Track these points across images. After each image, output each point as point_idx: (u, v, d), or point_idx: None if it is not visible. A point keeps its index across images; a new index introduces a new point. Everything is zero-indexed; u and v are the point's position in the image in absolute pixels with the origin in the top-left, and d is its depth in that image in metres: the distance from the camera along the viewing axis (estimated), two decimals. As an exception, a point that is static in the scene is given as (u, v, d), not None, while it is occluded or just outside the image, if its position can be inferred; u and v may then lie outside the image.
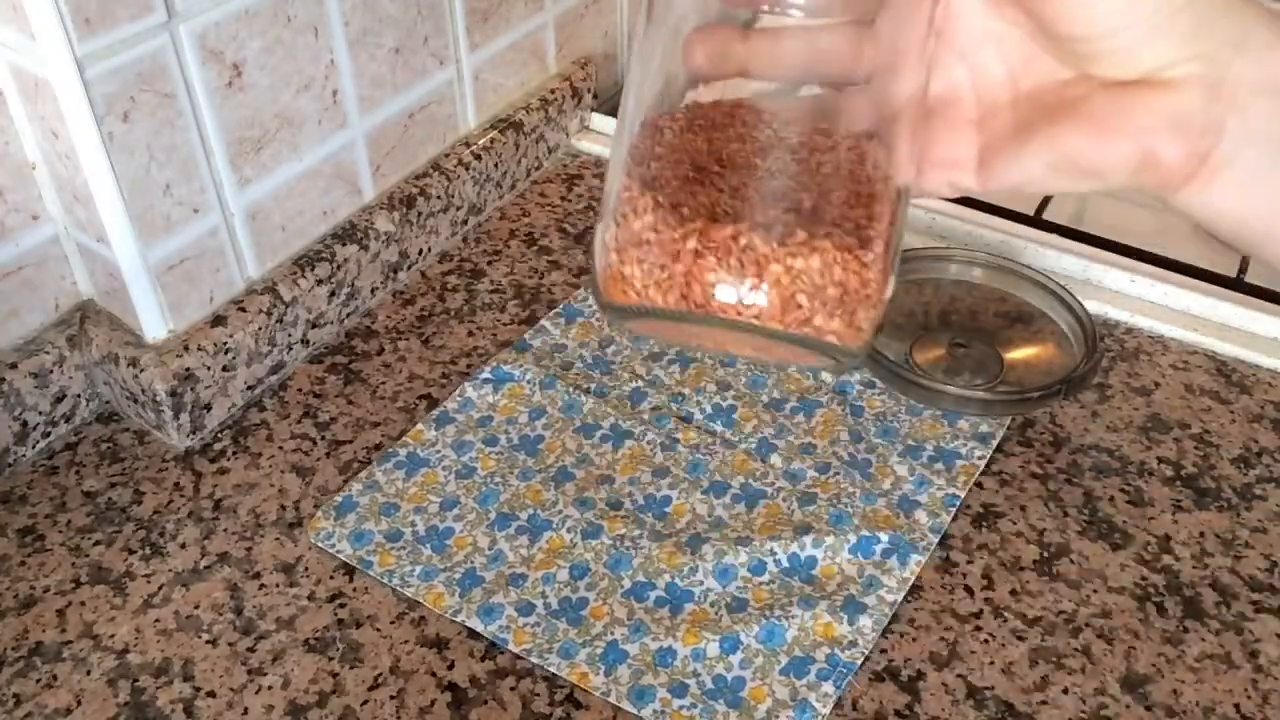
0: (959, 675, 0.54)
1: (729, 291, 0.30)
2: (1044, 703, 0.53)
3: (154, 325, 0.64)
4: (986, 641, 0.55)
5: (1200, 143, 0.30)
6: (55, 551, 0.60)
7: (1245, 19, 0.30)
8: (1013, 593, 0.57)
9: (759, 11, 0.32)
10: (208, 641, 0.55)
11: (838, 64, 0.33)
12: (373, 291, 0.76)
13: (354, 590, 0.58)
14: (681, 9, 0.33)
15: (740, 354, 0.38)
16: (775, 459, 0.64)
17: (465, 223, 0.83)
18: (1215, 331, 0.73)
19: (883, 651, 0.55)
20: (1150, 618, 0.56)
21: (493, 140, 0.83)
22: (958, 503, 0.61)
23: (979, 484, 0.63)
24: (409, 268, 0.78)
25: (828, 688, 0.52)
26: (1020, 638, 0.55)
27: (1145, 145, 0.30)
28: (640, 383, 0.69)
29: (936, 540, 0.59)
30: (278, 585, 0.58)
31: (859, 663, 0.54)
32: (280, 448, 0.66)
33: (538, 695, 0.53)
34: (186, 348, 0.64)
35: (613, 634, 0.55)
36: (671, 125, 0.33)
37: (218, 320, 0.66)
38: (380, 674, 0.54)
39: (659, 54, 0.34)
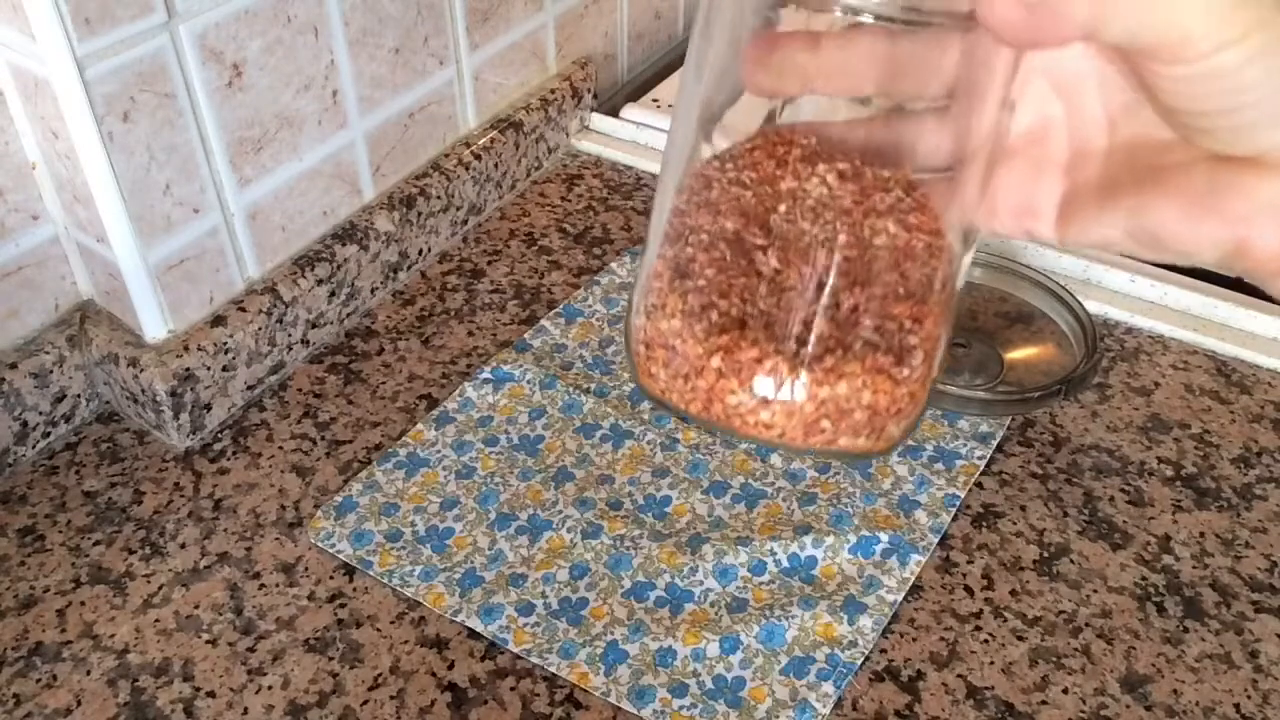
0: (959, 675, 0.54)
1: (751, 413, 0.30)
2: (1044, 703, 0.53)
3: (154, 325, 0.64)
4: (986, 641, 0.55)
5: None
6: (55, 551, 0.60)
7: None
8: (1013, 593, 0.57)
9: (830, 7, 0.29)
10: (208, 641, 0.55)
11: (917, 77, 0.30)
12: (373, 291, 0.76)
13: (354, 590, 0.58)
14: (738, 10, 0.30)
15: None
16: (775, 459, 0.64)
17: (465, 223, 0.83)
18: (1215, 331, 0.73)
19: (883, 651, 0.55)
20: (1150, 618, 0.56)
21: (493, 140, 0.83)
22: (958, 503, 0.61)
23: (979, 484, 0.63)
24: (409, 268, 0.78)
25: (828, 688, 0.52)
26: (1020, 638, 0.55)
27: (1241, 232, 0.27)
28: (640, 383, 0.69)
29: (936, 540, 0.59)
30: (278, 585, 0.58)
31: (859, 663, 0.54)
32: (280, 448, 0.66)
33: (538, 695, 0.53)
34: (186, 348, 0.64)
35: (613, 634, 0.55)
36: (720, 177, 0.31)
37: (218, 320, 0.66)
38: (380, 674, 0.54)
39: (711, 62, 0.31)
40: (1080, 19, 0.25)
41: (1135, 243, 0.29)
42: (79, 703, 0.53)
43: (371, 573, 0.58)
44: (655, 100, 0.95)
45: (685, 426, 0.65)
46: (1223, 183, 0.27)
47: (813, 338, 0.29)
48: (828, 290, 0.29)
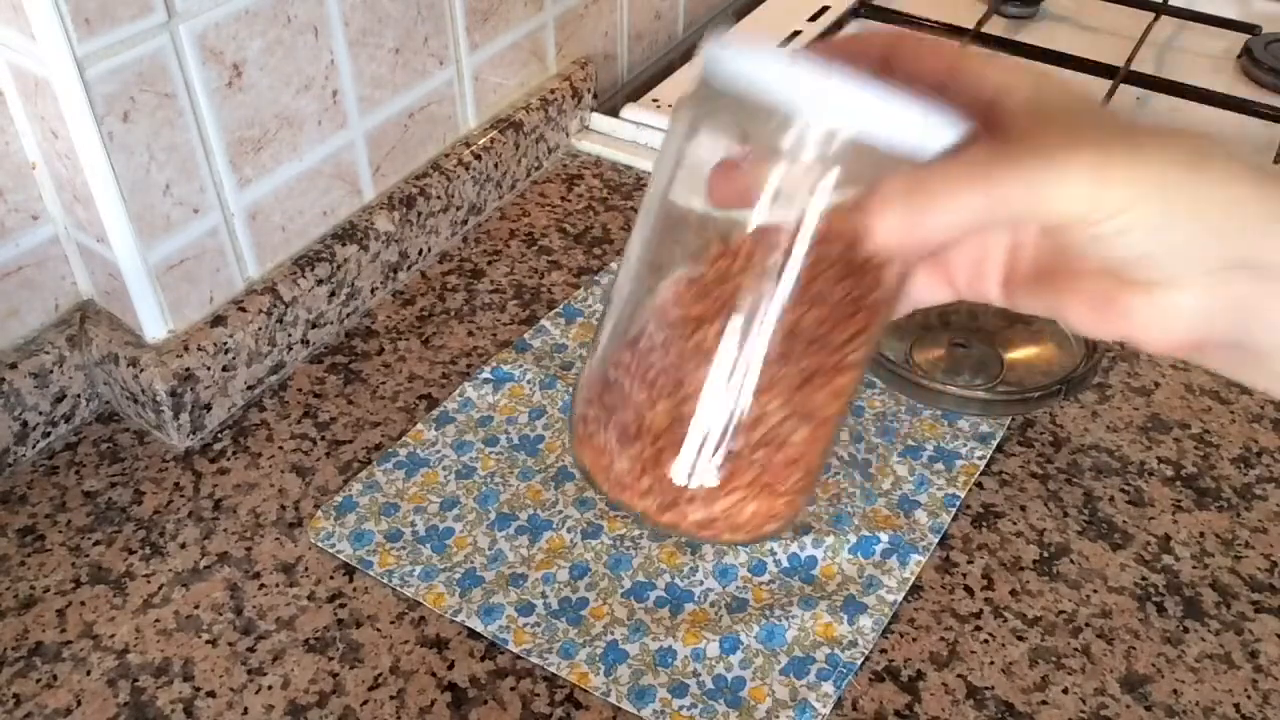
0: (959, 675, 0.54)
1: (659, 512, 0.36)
2: (1044, 703, 0.53)
3: (154, 325, 0.64)
4: (986, 641, 0.55)
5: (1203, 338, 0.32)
6: (55, 551, 0.60)
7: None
8: (1013, 593, 0.57)
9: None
10: (208, 641, 0.55)
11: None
12: (373, 291, 0.76)
13: (354, 590, 0.58)
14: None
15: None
16: (775, 459, 0.64)
17: (465, 223, 0.83)
18: (1215, 331, 0.73)
19: (883, 651, 0.55)
20: (1150, 618, 0.56)
21: (493, 140, 0.83)
22: (958, 503, 0.61)
23: (979, 484, 0.63)
24: (409, 268, 0.78)
25: (828, 688, 0.52)
26: (1020, 638, 0.55)
27: (1133, 335, 0.32)
28: (640, 383, 0.69)
29: (936, 540, 0.59)
30: (278, 585, 0.58)
31: (859, 663, 0.54)
32: (280, 448, 0.66)
33: (538, 695, 0.53)
34: (186, 348, 0.64)
35: (613, 634, 0.55)
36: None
37: (218, 320, 0.66)
38: (380, 674, 0.54)
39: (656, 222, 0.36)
40: (973, 206, 0.31)
41: (1058, 320, 0.35)
42: (79, 703, 0.53)
43: (371, 573, 0.58)
44: (655, 100, 0.95)
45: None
46: (1117, 299, 0.32)
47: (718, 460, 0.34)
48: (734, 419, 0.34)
